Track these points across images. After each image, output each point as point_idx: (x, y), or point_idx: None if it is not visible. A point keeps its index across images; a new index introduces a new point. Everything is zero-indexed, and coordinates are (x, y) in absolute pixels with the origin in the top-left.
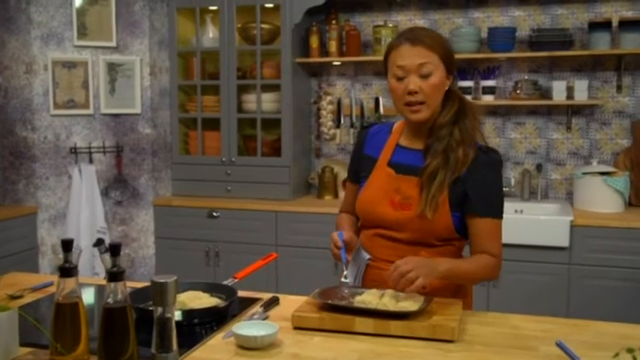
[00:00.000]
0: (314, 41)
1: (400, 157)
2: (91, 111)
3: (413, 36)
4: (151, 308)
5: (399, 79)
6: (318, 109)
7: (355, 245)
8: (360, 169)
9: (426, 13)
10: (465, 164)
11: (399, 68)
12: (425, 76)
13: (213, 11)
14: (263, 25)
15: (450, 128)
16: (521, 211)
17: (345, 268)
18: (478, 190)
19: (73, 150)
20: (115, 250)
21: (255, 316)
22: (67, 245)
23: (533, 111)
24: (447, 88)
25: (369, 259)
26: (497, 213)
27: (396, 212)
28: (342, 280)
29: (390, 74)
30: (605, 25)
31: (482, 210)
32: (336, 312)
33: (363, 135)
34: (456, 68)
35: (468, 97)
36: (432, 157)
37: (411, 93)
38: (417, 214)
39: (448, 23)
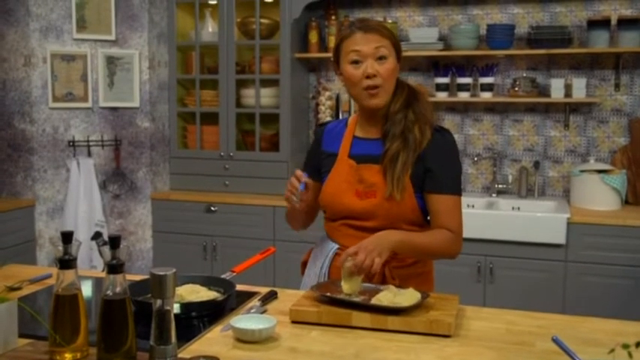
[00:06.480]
0: (313, 36)
1: (359, 149)
2: (89, 104)
3: (364, 25)
4: (149, 301)
5: (355, 63)
6: (317, 105)
7: (312, 189)
8: (320, 165)
9: (425, 10)
10: (422, 142)
11: (354, 53)
12: (381, 59)
13: (212, 5)
14: (262, 20)
15: (404, 112)
16: (518, 208)
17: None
18: (437, 168)
19: (71, 143)
20: (114, 242)
21: (253, 310)
22: (67, 237)
23: (531, 108)
24: (397, 75)
25: (337, 249)
26: (457, 190)
27: (362, 201)
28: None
29: (344, 62)
30: (603, 23)
31: (443, 187)
32: (334, 306)
33: (319, 133)
34: (454, 64)
35: (466, 94)
36: (390, 141)
37: (369, 77)
38: (385, 197)
39: (447, 20)
